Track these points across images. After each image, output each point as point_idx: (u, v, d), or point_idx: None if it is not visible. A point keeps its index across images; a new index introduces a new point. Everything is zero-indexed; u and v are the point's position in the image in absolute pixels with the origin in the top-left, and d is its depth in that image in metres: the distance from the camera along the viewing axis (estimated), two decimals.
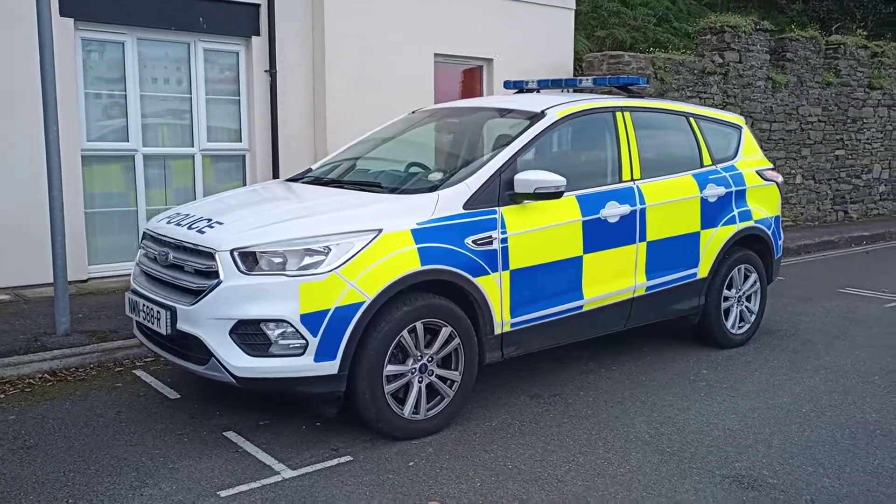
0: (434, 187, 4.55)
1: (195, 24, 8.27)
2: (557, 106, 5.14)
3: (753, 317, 6.32)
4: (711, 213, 5.82)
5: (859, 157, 14.52)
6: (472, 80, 10.61)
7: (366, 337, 4.07)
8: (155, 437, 4.29)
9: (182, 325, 4.13)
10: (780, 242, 6.57)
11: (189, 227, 4.37)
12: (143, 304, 4.39)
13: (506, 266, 4.58)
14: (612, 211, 5.13)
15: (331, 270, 3.99)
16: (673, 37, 14.62)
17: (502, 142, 4.85)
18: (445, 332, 4.34)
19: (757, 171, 6.30)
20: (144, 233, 4.82)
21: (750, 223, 6.10)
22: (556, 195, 4.59)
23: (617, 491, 3.74)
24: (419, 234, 4.25)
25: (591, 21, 13.68)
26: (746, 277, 6.20)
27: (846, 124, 14.08)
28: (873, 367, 5.74)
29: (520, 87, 6.37)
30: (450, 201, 4.44)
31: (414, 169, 5.09)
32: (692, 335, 6.23)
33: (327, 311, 3.96)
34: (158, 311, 4.23)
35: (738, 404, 4.92)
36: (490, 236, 4.51)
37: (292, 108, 8.90)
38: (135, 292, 4.56)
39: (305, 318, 3.94)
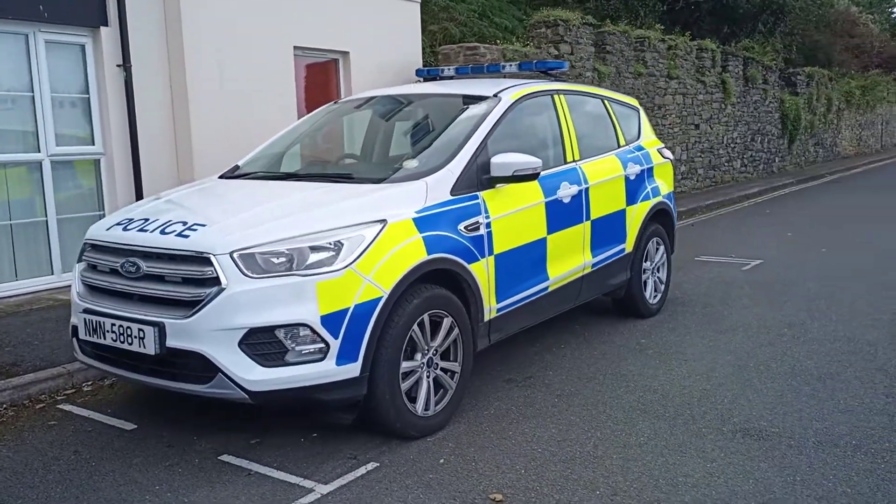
0: (419, 174, 4.38)
1: (34, 11, 7.31)
2: (508, 89, 5.15)
3: (663, 286, 6.74)
4: (632, 191, 6.12)
5: (664, 141, 15.87)
6: (328, 73, 10.32)
7: (383, 334, 3.84)
8: (143, 473, 3.76)
9: (174, 342, 3.65)
10: (675, 215, 7.06)
11: (162, 232, 3.87)
12: (112, 325, 3.82)
13: (490, 251, 4.52)
14: (566, 192, 5.23)
15: (346, 266, 3.71)
16: (497, 30, 15.12)
17: (468, 125, 4.76)
18: (447, 322, 4.21)
19: (658, 150, 6.71)
20: (88, 244, 4.20)
21: (659, 198, 6.49)
22: (534, 176, 4.61)
23: (653, 459, 3.84)
24: (420, 223, 4.08)
25: (424, 16, 13.78)
26: (657, 250, 6.60)
27: (654, 111, 15.37)
28: (774, 321, 6.34)
29: (434, 74, 6.29)
30: (438, 188, 4.31)
31: (380, 158, 4.86)
32: (615, 311, 6.51)
33: (347, 309, 3.69)
34: (140, 330, 3.70)
35: (694, 367, 5.22)
36: (477, 222, 4.43)
37: (151, 106, 8.13)
38: (92, 311, 3.95)
39: (326, 320, 3.64)
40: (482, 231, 4.45)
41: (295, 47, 9.45)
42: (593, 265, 5.60)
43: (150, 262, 3.82)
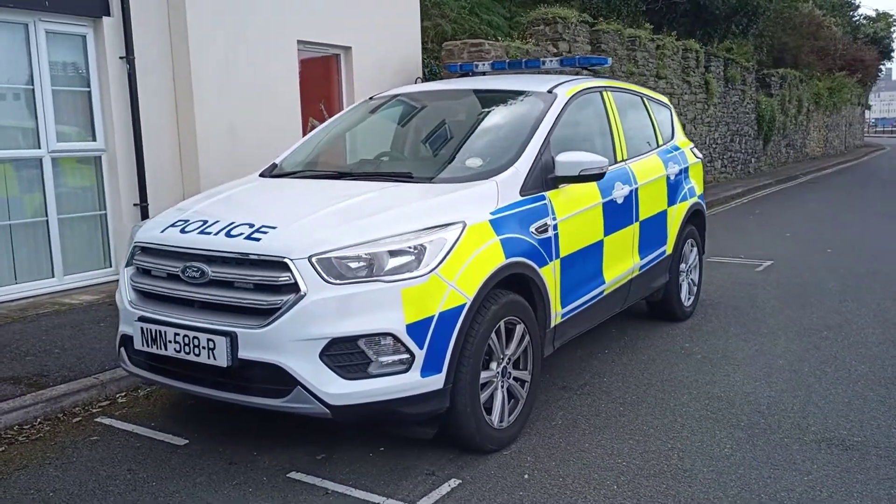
0: (486, 173, 4.17)
1: (35, 0, 6.92)
2: (562, 85, 4.97)
3: (696, 289, 6.62)
4: (673, 191, 5.99)
5: None
6: (329, 68, 10.04)
7: (465, 343, 3.62)
8: (211, 494, 3.49)
9: (248, 353, 3.40)
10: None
11: (228, 235, 3.60)
12: (176, 335, 3.54)
13: (557, 254, 4.34)
14: (619, 192, 5.07)
15: (431, 271, 3.49)
16: (487, 28, 14.95)
17: (528, 122, 4.57)
18: (520, 329, 4.01)
19: (691, 149, 6.59)
20: (139, 247, 3.90)
21: (696, 199, 6.37)
22: (599, 176, 4.43)
23: (747, 472, 3.68)
24: (496, 225, 3.87)
25: None
26: (692, 251, 6.48)
27: None
28: (811, 324, 6.26)
29: (468, 70, 6.08)
30: (508, 188, 4.10)
31: (436, 156, 4.62)
32: (649, 314, 6.38)
33: (432, 317, 3.47)
34: (210, 340, 3.43)
35: (750, 373, 5.09)
36: (546, 223, 4.24)
37: (153, 100, 7.79)
38: (151, 320, 3.66)
39: (412, 329, 3.41)
40: (550, 233, 4.26)
41: (298, 41, 9.16)
42: (640, 268, 5.45)
43: (216, 267, 3.55)
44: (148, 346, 3.66)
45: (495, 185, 4.06)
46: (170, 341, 3.57)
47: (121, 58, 7.50)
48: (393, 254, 3.49)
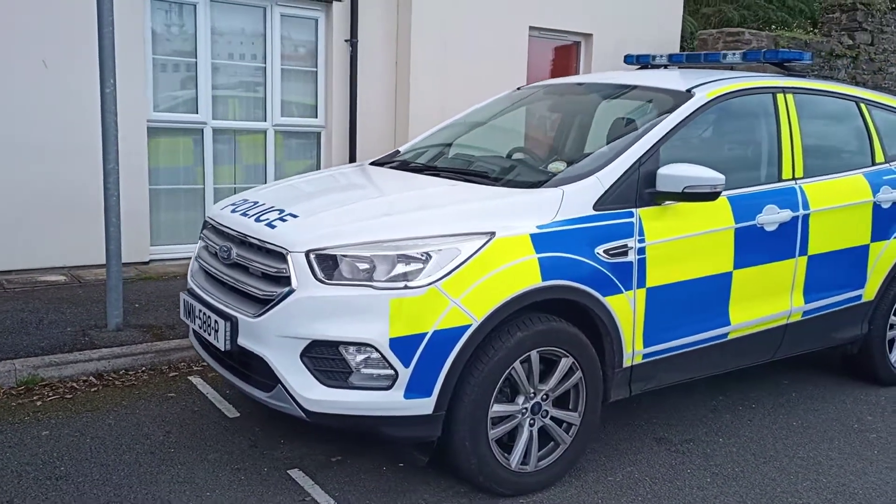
0: (557, 181, 3.64)
1: None
2: (707, 84, 4.17)
3: None
4: (884, 223, 4.76)
5: None
6: (567, 57, 9.63)
7: (469, 369, 3.21)
8: (207, 472, 3.54)
9: (244, 341, 3.35)
10: None
11: (257, 219, 3.58)
12: (200, 311, 3.62)
13: (642, 283, 3.66)
14: (771, 217, 4.14)
15: (430, 283, 3.13)
16: (787, 15, 13.28)
17: (641, 126, 3.90)
18: (566, 363, 3.46)
19: None
20: (205, 222, 4.06)
21: None
22: (711, 196, 3.64)
23: None
24: (540, 241, 3.36)
25: None
26: None
27: None
28: None
29: (645, 62, 5.39)
30: (577, 199, 3.54)
31: (527, 157, 4.18)
32: (842, 367, 5.19)
33: (423, 335, 3.12)
34: (217, 322, 3.45)
35: None
36: (625, 245, 3.59)
37: (373, 83, 8.10)
38: (191, 294, 3.80)
39: (395, 343, 3.10)
40: (630, 257, 3.60)
41: (531, 28, 8.89)
42: (805, 313, 4.43)
43: (240, 251, 3.55)
44: (186, 318, 3.80)
45: (560, 195, 3.52)
46: (196, 317, 3.66)
47: (345, 41, 7.89)
48: (402, 258, 3.19)
